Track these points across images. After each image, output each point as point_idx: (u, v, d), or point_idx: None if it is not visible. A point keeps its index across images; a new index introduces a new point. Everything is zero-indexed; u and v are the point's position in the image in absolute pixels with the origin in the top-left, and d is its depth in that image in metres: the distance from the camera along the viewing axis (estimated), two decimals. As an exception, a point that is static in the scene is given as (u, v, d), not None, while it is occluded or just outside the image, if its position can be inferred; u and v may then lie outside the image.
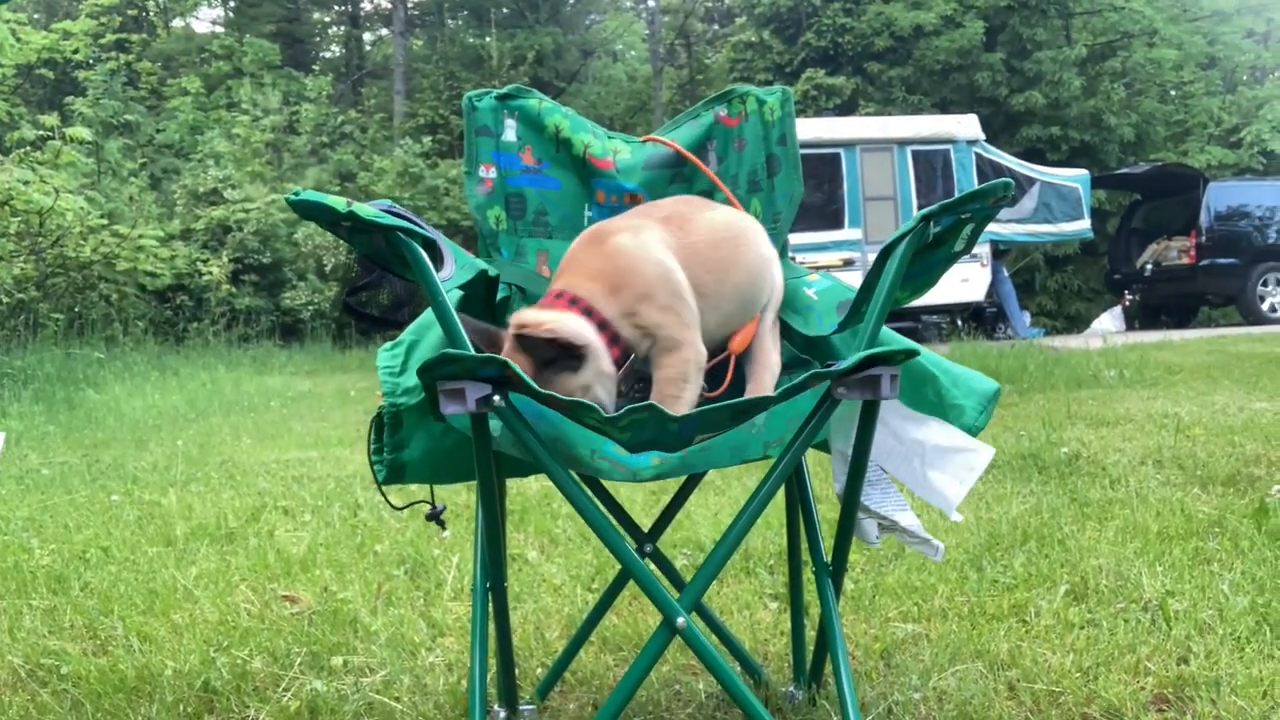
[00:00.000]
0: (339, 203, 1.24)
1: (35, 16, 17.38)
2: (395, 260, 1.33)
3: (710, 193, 1.80)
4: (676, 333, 1.46)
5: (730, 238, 1.57)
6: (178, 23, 23.76)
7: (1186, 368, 7.10)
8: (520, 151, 1.79)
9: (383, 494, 1.53)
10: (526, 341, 1.35)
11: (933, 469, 1.43)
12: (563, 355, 1.36)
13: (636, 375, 1.54)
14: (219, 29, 23.91)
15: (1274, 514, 2.73)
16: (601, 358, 1.41)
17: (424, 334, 1.53)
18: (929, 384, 1.51)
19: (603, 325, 1.43)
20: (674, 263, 1.49)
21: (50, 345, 9.27)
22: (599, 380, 1.40)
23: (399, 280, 1.41)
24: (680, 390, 1.45)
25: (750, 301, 1.59)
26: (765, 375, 1.56)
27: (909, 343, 1.42)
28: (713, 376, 1.57)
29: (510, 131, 1.78)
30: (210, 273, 13.89)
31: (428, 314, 1.53)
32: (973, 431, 1.48)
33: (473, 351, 1.30)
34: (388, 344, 1.52)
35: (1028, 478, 3.51)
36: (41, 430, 6.13)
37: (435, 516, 1.61)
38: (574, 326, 1.40)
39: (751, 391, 1.54)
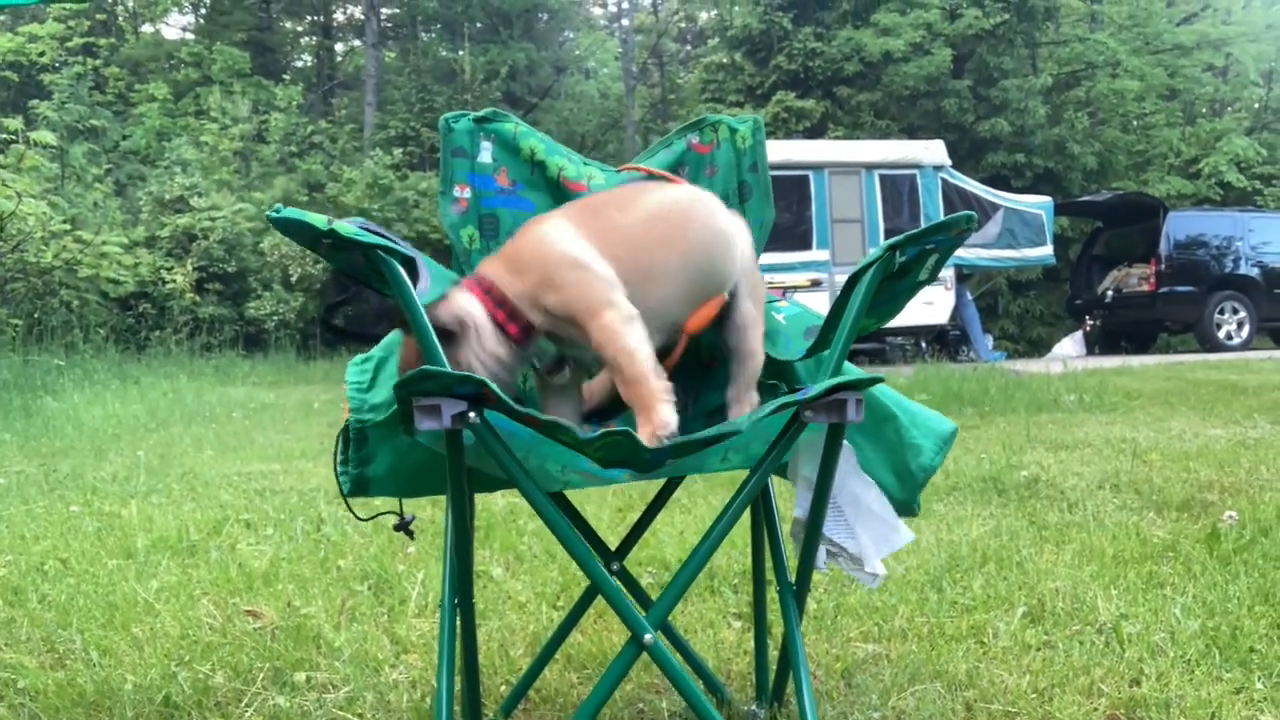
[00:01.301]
0: (320, 220, 1.25)
1: (1, 19, 17.16)
2: (374, 277, 1.35)
3: None
4: (585, 301, 1.42)
5: (673, 214, 1.53)
6: (147, 28, 23.55)
7: (1145, 393, 7.23)
8: (495, 173, 1.80)
9: (348, 506, 1.54)
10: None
11: (860, 524, 1.49)
12: (441, 333, 1.38)
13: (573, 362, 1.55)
14: (189, 36, 23.73)
15: (1225, 539, 2.80)
16: (483, 336, 1.42)
17: (393, 351, 1.54)
18: (889, 423, 1.55)
19: (501, 302, 1.44)
20: (578, 247, 1.46)
21: (8, 352, 9.12)
22: (478, 357, 1.42)
23: (376, 296, 1.43)
24: (617, 349, 1.40)
25: (707, 275, 1.53)
26: (749, 368, 1.57)
27: (868, 375, 1.47)
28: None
29: (486, 154, 1.80)
30: (174, 280, 13.75)
31: (398, 332, 1.55)
32: (929, 471, 1.54)
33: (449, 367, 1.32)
34: (357, 358, 1.53)
35: (988, 500, 3.57)
36: (-2, 438, 6.02)
37: (404, 526, 1.62)
38: (456, 307, 1.43)
39: (733, 389, 1.56)
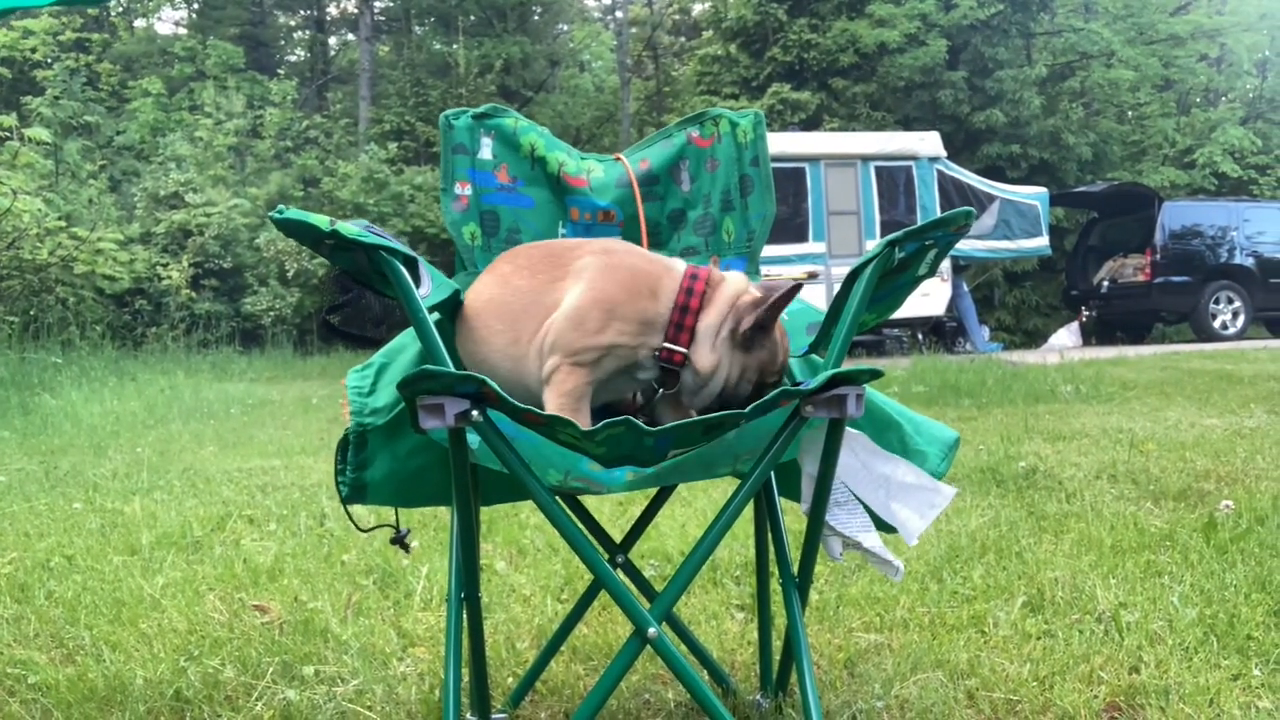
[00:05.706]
0: (322, 221, 1.26)
1: (-7, 14, 17.05)
2: (376, 278, 1.36)
3: (683, 212, 1.85)
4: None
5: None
6: (140, 24, 23.49)
7: (1141, 384, 7.26)
8: (496, 170, 1.82)
9: (347, 513, 1.56)
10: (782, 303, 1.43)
11: (896, 501, 1.49)
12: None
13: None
14: (182, 31, 23.66)
15: (1222, 528, 2.82)
16: None
17: (394, 357, 1.56)
18: (893, 430, 1.56)
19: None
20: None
21: (4, 349, 9.10)
22: None
23: (377, 300, 1.44)
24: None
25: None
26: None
27: (868, 368, 1.48)
28: None
29: (486, 150, 1.81)
30: (170, 277, 13.74)
31: (399, 339, 1.57)
32: (936, 477, 1.55)
33: (453, 367, 1.33)
34: (358, 366, 1.55)
35: (986, 491, 3.59)
36: (-3, 436, 6.03)
37: (400, 540, 1.63)
38: None
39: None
